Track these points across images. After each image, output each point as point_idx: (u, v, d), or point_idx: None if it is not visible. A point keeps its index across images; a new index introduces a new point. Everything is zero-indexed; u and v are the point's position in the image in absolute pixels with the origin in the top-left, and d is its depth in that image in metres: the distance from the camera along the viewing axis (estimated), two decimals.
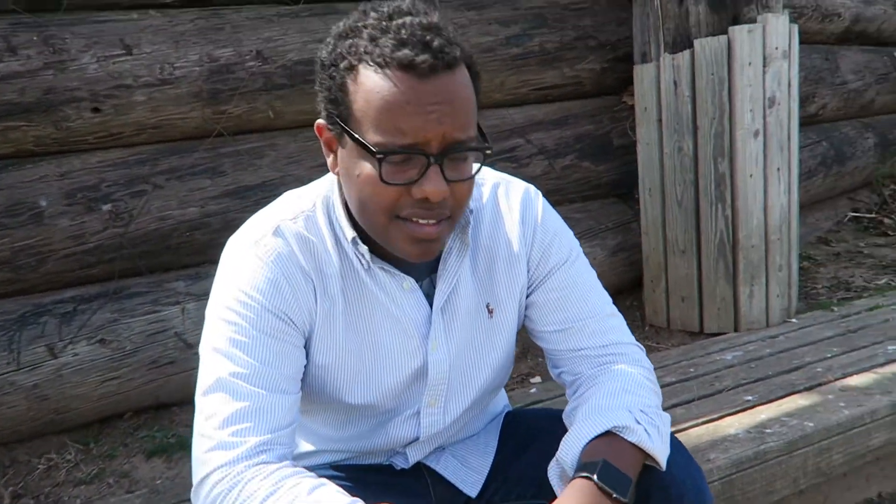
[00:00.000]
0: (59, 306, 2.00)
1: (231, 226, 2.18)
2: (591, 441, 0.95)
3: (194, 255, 2.19)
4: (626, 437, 0.94)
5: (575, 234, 1.15)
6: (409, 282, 1.02)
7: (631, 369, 1.06)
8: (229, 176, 2.19)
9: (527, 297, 1.11)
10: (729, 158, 2.43)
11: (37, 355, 1.94)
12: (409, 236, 0.90)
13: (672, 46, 2.47)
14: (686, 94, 2.44)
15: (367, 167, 0.88)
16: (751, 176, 2.44)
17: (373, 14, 0.89)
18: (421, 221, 0.89)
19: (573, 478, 0.91)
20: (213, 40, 2.12)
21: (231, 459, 0.88)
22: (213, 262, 2.16)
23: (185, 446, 2.03)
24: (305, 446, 1.18)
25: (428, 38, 0.84)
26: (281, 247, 0.96)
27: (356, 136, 0.87)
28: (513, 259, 1.08)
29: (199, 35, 2.11)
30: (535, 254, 1.09)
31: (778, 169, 2.49)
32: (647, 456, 0.96)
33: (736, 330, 2.54)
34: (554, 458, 0.99)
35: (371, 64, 0.85)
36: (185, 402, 2.20)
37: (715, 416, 1.79)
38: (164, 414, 2.17)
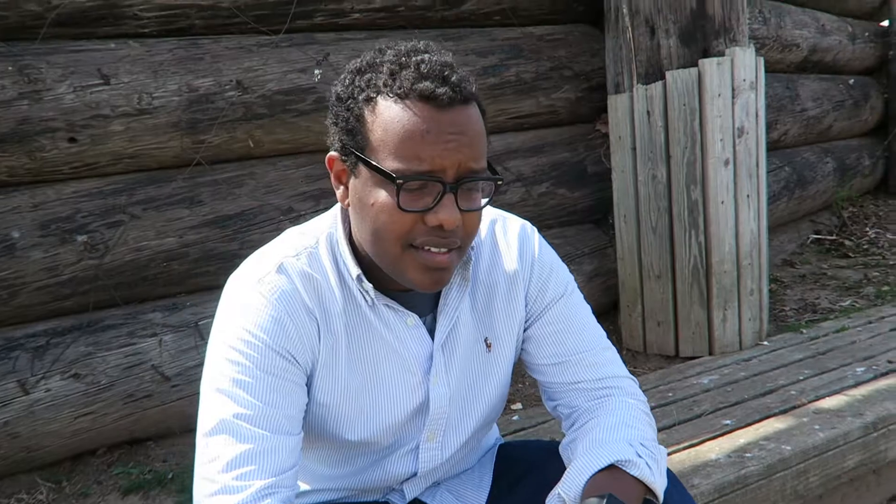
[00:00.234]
0: (31, 340, 1.95)
1: (210, 255, 2.20)
2: (594, 475, 0.96)
3: (171, 286, 2.16)
4: (629, 471, 0.96)
5: None
6: (413, 318, 1.03)
7: (628, 402, 1.09)
8: (207, 205, 2.17)
9: (524, 330, 1.13)
10: (701, 186, 2.50)
11: (7, 391, 1.88)
12: (421, 265, 0.92)
13: (645, 77, 2.54)
14: (659, 123, 2.51)
15: (382, 195, 0.89)
16: (722, 203, 2.51)
17: (390, 52, 0.93)
18: (433, 250, 0.91)
19: None
20: (192, 70, 2.11)
21: None
22: (191, 292, 2.18)
23: (162, 482, 1.98)
24: (300, 485, 1.16)
25: (446, 73, 0.89)
26: (284, 284, 0.96)
27: (373, 163, 0.89)
28: (511, 294, 1.09)
29: (178, 65, 2.10)
30: (533, 289, 1.10)
31: (748, 196, 2.56)
32: (647, 489, 0.98)
33: (710, 353, 2.59)
34: (554, 491, 1.00)
35: (391, 95, 0.89)
36: (162, 437, 2.15)
37: (695, 440, 1.82)
38: (138, 449, 2.11)
